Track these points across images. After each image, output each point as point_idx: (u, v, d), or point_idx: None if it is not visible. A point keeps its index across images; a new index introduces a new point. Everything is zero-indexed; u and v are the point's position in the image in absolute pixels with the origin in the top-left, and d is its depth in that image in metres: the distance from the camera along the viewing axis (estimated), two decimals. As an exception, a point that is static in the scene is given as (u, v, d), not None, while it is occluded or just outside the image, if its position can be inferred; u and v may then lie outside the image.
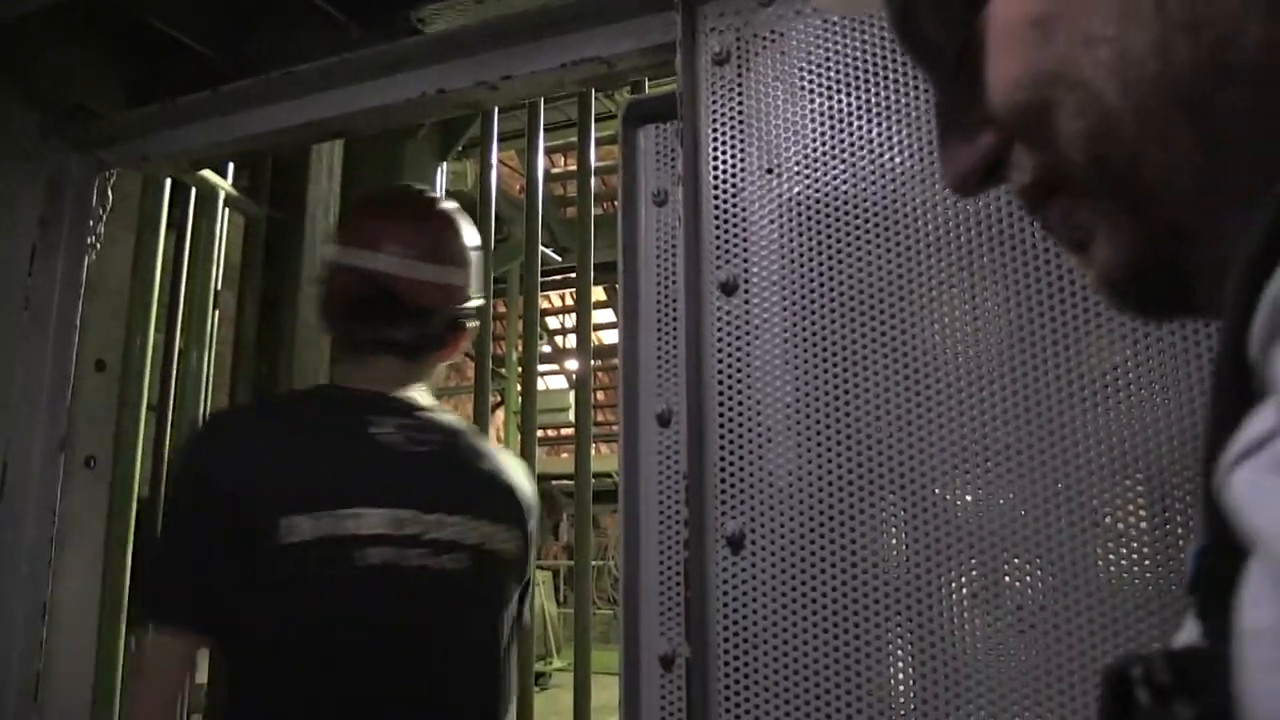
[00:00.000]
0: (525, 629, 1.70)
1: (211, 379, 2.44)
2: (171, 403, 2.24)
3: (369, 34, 1.58)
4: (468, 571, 1.43)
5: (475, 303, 1.57)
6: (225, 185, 2.39)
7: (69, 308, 1.67)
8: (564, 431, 12.28)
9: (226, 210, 2.44)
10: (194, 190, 2.30)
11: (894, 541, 1.04)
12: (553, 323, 13.88)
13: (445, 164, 2.93)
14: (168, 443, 2.20)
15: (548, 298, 13.71)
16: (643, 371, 1.23)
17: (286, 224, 2.60)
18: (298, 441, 1.42)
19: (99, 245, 1.71)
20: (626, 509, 1.19)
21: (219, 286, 2.44)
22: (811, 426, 1.08)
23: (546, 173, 11.03)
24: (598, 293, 12.97)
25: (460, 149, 9.51)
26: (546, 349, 12.13)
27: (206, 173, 2.29)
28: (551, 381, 13.19)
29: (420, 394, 1.54)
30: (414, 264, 1.47)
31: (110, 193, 1.73)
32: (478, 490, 1.49)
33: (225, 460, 1.38)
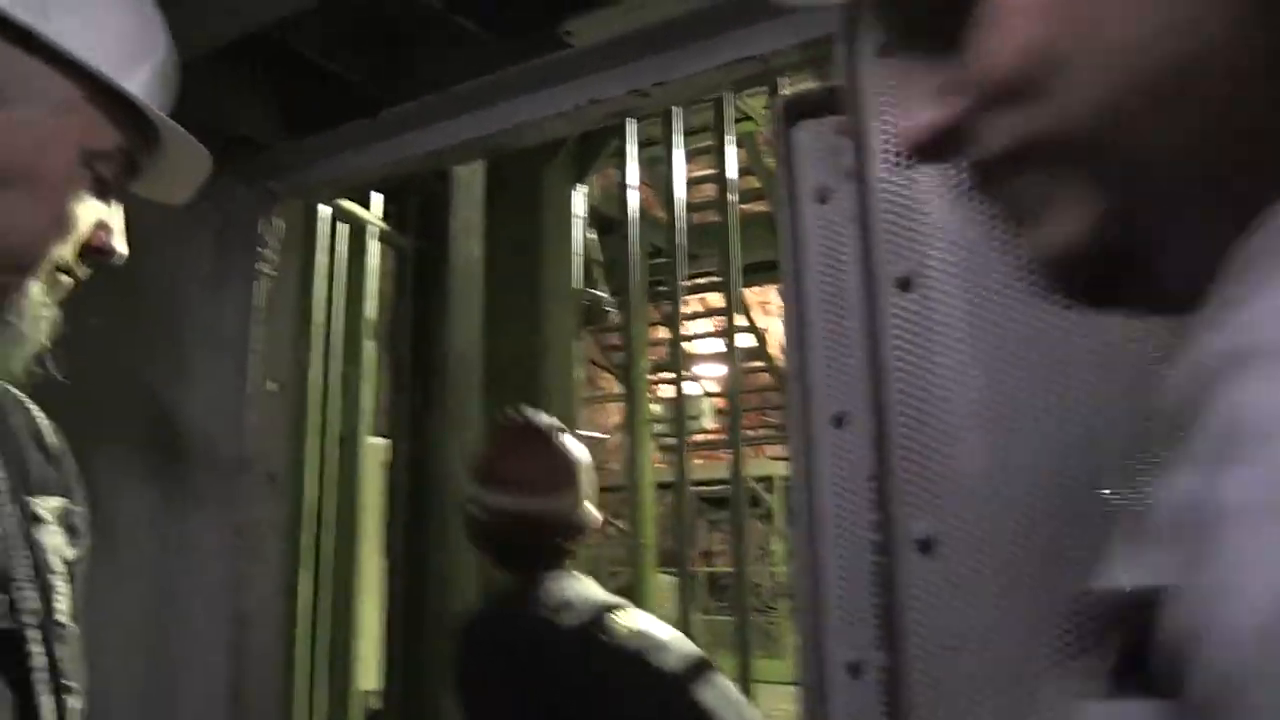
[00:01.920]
0: None
1: (370, 404, 2.53)
2: (338, 425, 2.32)
3: (518, 51, 1.61)
4: None
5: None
6: (374, 219, 2.47)
7: (244, 333, 1.75)
8: (697, 438, 12.28)
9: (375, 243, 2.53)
10: (344, 223, 2.39)
11: (1098, 541, 0.98)
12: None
13: (580, 185, 2.98)
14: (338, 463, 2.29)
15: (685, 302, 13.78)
16: (813, 374, 1.20)
17: (432, 254, 2.67)
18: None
19: (269, 273, 1.78)
20: (802, 514, 1.16)
21: (373, 315, 2.52)
22: (1002, 423, 1.03)
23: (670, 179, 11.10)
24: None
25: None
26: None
27: (357, 207, 2.37)
28: (686, 389, 13.19)
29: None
30: (545, 499, 1.80)
31: (281, 221, 1.80)
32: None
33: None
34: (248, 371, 1.74)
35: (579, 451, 1.90)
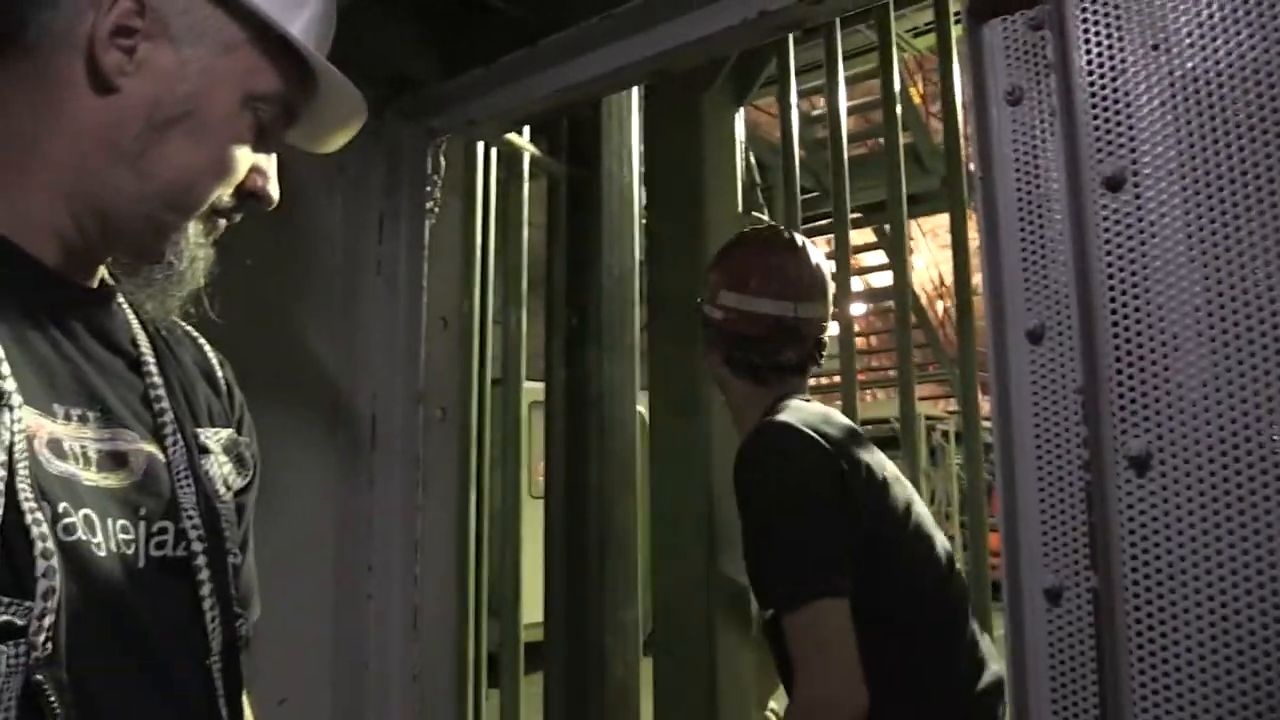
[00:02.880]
0: None
1: (527, 333, 2.56)
2: (497, 361, 2.37)
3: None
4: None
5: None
6: (528, 146, 2.48)
7: (415, 270, 1.79)
8: (822, 381, 12.07)
9: (530, 173, 2.54)
10: (499, 154, 2.41)
11: (1344, 458, 0.89)
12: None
13: (741, 110, 2.91)
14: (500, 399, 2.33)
15: (815, 243, 13.50)
16: (1008, 286, 1.13)
17: (586, 180, 2.67)
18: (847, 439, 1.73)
19: (437, 210, 1.81)
20: (1001, 433, 1.11)
21: (528, 245, 2.55)
22: (1228, 331, 0.95)
23: (807, 115, 10.80)
24: (867, 234, 12.58)
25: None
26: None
27: (512, 136, 2.38)
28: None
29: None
30: (804, 305, 1.80)
31: (443, 159, 1.82)
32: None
33: (830, 455, 1.65)
34: (421, 308, 1.78)
35: (825, 263, 1.92)
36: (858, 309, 12.34)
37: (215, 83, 0.77)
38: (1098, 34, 1.06)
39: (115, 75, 0.73)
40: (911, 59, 10.04)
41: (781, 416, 1.70)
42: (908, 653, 1.60)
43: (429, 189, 1.80)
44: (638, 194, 2.79)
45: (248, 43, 0.79)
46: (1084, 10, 1.07)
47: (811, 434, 1.64)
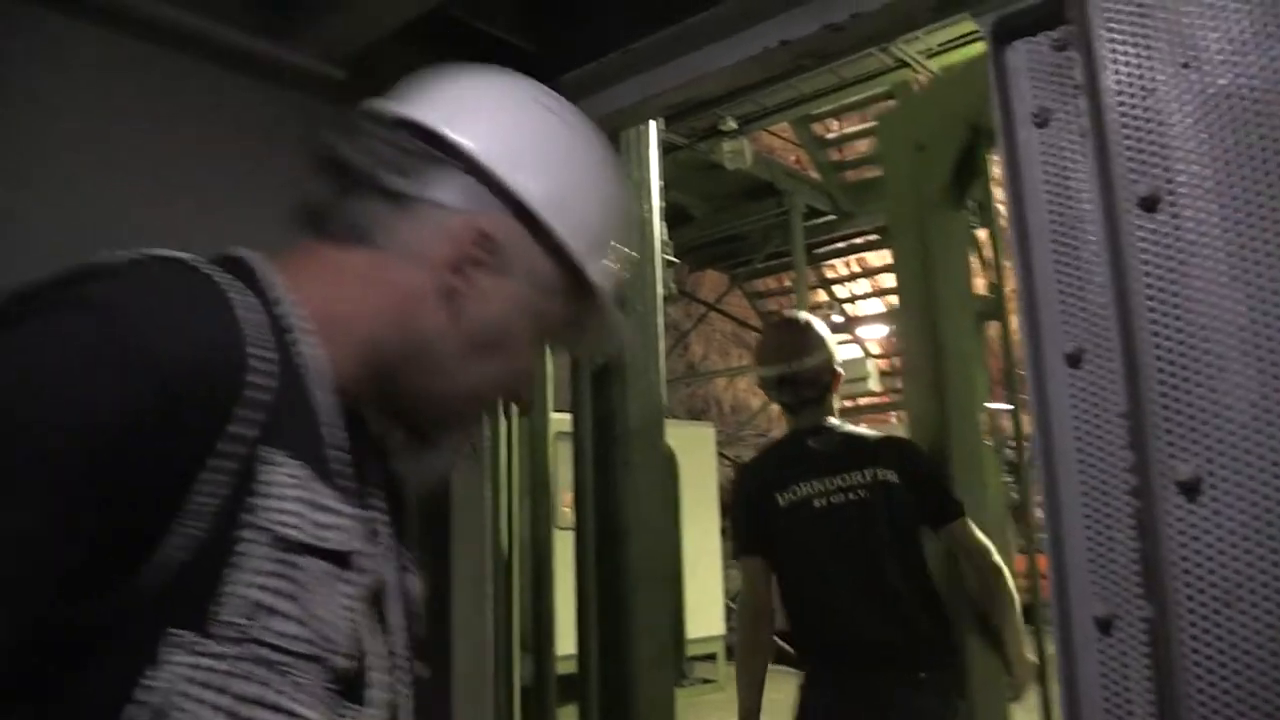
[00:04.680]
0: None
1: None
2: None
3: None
4: (862, 501, 2.52)
5: (839, 364, 2.72)
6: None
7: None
8: (861, 401, 12.00)
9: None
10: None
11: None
12: (840, 291, 13.61)
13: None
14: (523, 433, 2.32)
15: (832, 266, 13.46)
16: (1043, 309, 1.12)
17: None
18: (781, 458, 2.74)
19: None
20: (1044, 459, 1.09)
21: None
22: (1275, 350, 0.93)
23: (821, 139, 10.81)
24: (885, 255, 12.54)
25: (737, 127, 9.39)
26: (838, 318, 11.92)
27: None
28: (846, 351, 12.96)
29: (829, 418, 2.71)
30: (796, 362, 2.64)
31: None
32: (854, 457, 2.60)
33: (753, 474, 2.79)
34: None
35: (823, 327, 2.72)
36: (878, 331, 12.29)
37: (533, 318, 0.86)
38: (1125, 54, 1.05)
39: (455, 297, 0.81)
40: (926, 79, 10.07)
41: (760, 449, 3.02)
42: (793, 601, 2.62)
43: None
44: (659, 229, 2.79)
45: (564, 290, 0.86)
46: (1111, 30, 1.06)
47: (748, 467, 2.93)
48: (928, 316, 2.98)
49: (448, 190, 0.80)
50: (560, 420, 2.78)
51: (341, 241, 0.81)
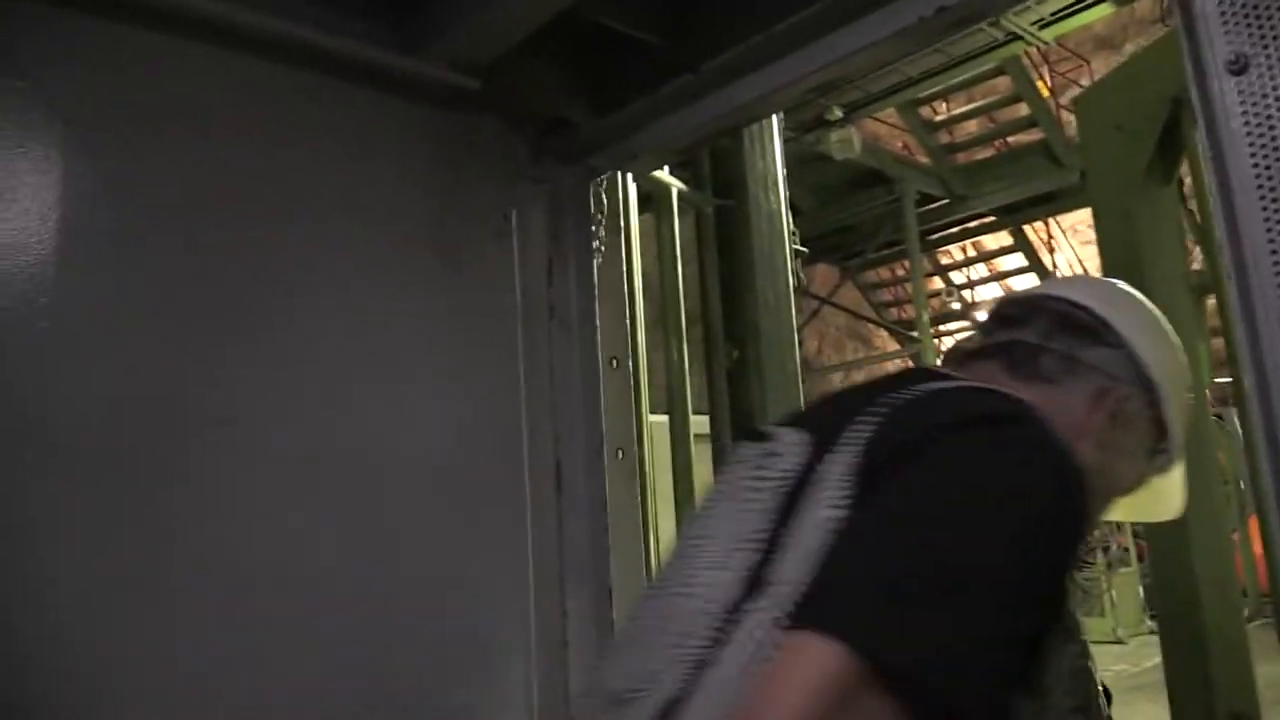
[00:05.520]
0: None
1: (689, 366, 2.54)
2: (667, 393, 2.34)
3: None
4: None
5: None
6: (676, 182, 2.47)
7: (587, 311, 1.79)
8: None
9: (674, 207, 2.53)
10: (639, 193, 2.40)
11: None
12: (956, 278, 13.23)
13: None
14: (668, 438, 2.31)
15: (947, 252, 13.10)
16: (1255, 273, 1.03)
17: (733, 211, 2.64)
18: None
19: (602, 250, 1.81)
20: (1267, 444, 1.00)
21: (682, 280, 2.53)
22: None
23: (930, 122, 10.52)
24: (1002, 237, 12.15)
25: (843, 115, 9.24)
26: (955, 305, 11.59)
27: (656, 174, 2.37)
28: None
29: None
30: None
31: (604, 198, 1.82)
32: None
33: None
34: (596, 350, 1.77)
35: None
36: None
37: (1136, 477, 1.11)
38: (1343, -14, 0.96)
39: (1098, 431, 1.05)
40: (1035, 52, 9.70)
41: None
42: None
43: (594, 228, 1.80)
44: (786, 220, 2.74)
45: (1150, 451, 1.11)
46: (1323, -38, 0.97)
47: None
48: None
49: (1108, 362, 1.07)
50: (697, 423, 2.76)
51: (1028, 379, 1.05)
